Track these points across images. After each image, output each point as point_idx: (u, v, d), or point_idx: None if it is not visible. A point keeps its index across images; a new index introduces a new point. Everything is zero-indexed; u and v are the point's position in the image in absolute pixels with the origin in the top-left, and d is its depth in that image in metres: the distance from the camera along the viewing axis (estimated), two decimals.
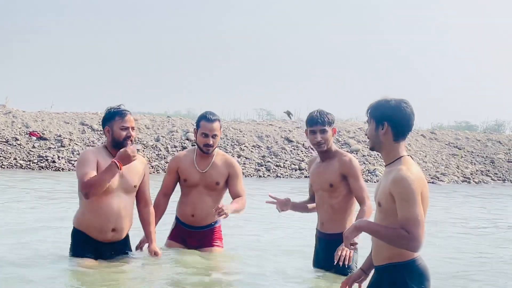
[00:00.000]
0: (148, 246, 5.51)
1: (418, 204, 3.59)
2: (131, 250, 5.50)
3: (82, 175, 5.04)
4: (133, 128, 5.25)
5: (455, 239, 8.42)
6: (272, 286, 5.15)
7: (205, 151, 5.68)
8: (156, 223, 5.64)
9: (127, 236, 5.46)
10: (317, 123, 5.20)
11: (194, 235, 5.79)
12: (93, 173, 5.06)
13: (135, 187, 5.32)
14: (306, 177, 19.09)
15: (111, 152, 5.24)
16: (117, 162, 5.05)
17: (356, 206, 5.16)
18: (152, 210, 5.52)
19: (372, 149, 3.88)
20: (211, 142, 5.63)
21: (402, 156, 3.74)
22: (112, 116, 5.24)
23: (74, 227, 5.30)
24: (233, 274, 5.44)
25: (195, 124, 5.76)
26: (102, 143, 5.10)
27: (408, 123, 3.76)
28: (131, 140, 5.21)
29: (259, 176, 18.79)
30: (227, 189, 5.81)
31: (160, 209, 5.76)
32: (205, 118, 5.67)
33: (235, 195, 5.71)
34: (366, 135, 3.88)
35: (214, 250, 5.80)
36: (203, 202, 5.71)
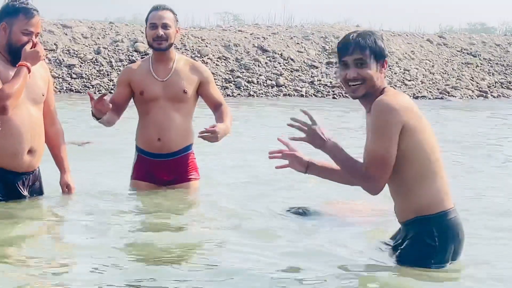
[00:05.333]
0: (60, 178, 5.50)
1: (388, 139, 3.86)
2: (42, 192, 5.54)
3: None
4: (37, 35, 5.15)
5: None
6: (267, 227, 5.20)
7: (156, 46, 5.68)
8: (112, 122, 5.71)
9: (39, 170, 5.44)
10: None
11: (164, 165, 5.78)
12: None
13: (43, 95, 5.30)
14: (285, 95, 19.54)
15: (4, 56, 5.16)
16: (26, 65, 5.01)
17: None
18: (60, 129, 5.50)
19: (365, 95, 4.05)
20: (161, 33, 5.65)
21: (384, 88, 4.05)
22: (15, 12, 5.09)
23: None
24: (221, 219, 5.44)
25: (145, 23, 5.84)
26: None
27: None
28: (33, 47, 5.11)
29: (227, 95, 18.85)
30: (197, 102, 5.87)
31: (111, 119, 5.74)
32: (153, 8, 5.77)
33: (215, 104, 5.78)
34: (355, 78, 4.03)
35: (192, 185, 5.87)
36: (170, 120, 5.69)
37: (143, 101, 5.75)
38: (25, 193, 5.32)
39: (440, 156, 4.07)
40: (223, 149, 8.43)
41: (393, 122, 3.86)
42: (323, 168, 4.23)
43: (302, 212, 5.53)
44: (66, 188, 5.50)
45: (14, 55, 5.10)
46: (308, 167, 4.20)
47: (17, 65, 5.03)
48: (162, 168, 5.80)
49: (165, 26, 5.68)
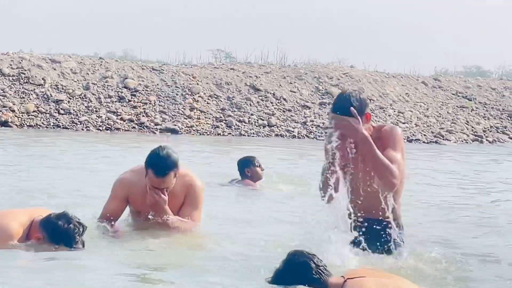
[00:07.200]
0: None
1: None
2: None
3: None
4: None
5: None
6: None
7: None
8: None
9: None
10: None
11: None
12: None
13: None
14: (277, 135, 19.33)
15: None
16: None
17: None
18: None
19: None
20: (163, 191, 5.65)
21: None
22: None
23: None
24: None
25: (145, 162, 5.61)
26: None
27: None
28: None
29: (218, 134, 18.80)
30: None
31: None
32: (154, 169, 5.50)
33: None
34: None
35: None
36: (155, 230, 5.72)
37: (136, 214, 5.89)
38: None
39: None
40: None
41: None
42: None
43: None
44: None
45: None
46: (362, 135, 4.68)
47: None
48: None
49: (167, 189, 5.60)
